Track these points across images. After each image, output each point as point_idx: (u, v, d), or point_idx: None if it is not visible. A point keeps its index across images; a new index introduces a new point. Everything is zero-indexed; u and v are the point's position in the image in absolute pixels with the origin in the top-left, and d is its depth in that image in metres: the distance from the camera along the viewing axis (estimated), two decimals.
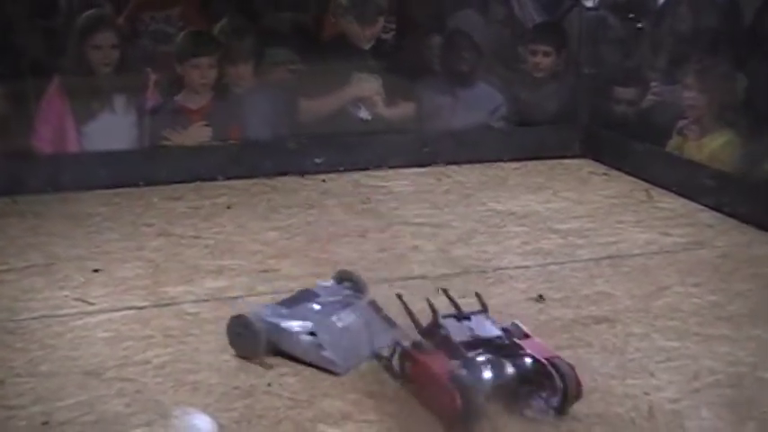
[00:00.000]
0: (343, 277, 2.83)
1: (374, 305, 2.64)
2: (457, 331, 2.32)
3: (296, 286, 3.06)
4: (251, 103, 4.74)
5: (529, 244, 3.56)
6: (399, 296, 2.51)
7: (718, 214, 3.91)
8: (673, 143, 4.48)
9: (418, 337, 2.35)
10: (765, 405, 2.34)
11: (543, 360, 2.22)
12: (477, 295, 2.51)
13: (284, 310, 2.59)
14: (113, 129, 4.55)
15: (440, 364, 2.21)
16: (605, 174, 4.65)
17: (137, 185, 4.28)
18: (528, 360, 2.24)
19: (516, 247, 3.52)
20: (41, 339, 2.69)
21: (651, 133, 4.60)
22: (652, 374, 2.48)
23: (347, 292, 2.74)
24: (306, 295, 2.69)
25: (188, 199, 4.13)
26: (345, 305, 2.61)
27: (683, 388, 2.42)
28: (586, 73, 5.10)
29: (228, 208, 3.99)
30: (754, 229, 3.72)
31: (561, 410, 2.22)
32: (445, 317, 2.38)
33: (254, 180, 4.40)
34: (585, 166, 4.81)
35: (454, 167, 4.70)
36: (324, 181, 4.44)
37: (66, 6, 5.27)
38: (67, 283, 3.13)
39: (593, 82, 5.11)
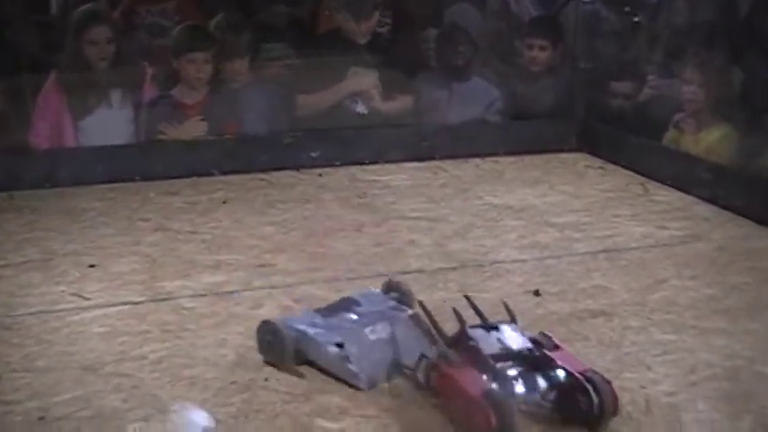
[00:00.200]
0: (390, 287, 2.69)
1: (416, 319, 2.47)
2: (486, 343, 2.20)
3: (292, 281, 3.09)
4: (247, 97, 4.73)
5: (525, 238, 3.57)
6: (422, 303, 2.42)
7: (715, 207, 3.92)
8: (669, 137, 4.48)
9: (444, 348, 2.24)
10: (762, 398, 2.35)
11: (577, 374, 2.12)
12: (505, 305, 2.38)
13: (318, 319, 2.50)
14: (110, 123, 4.55)
15: (470, 379, 2.10)
16: (602, 167, 4.65)
17: (133, 180, 4.27)
18: (561, 374, 2.14)
19: (513, 241, 3.53)
20: (38, 335, 2.69)
21: (647, 127, 4.60)
22: (649, 368, 2.49)
23: (391, 303, 2.59)
24: (346, 304, 2.57)
25: (184, 194, 4.12)
26: (384, 317, 2.46)
27: (679, 381, 2.42)
28: (583, 67, 5.11)
29: (225, 203, 3.99)
30: (750, 223, 3.72)
31: (597, 427, 2.11)
32: (473, 327, 2.27)
33: (251, 175, 4.40)
34: (582, 159, 4.81)
35: (451, 161, 4.70)
36: (320, 175, 4.44)
37: (61, 1, 5.26)
38: (64, 279, 3.12)
39: (589, 76, 5.11)
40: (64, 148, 4.47)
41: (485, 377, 2.09)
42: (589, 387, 2.08)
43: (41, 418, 2.23)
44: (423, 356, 2.26)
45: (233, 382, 2.40)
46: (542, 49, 5.06)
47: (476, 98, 5.10)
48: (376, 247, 3.45)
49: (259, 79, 4.80)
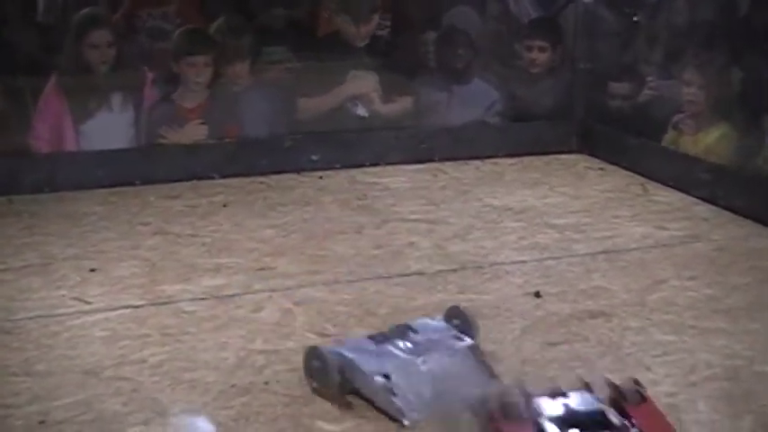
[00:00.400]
0: (452, 315, 2.52)
1: (475, 349, 2.35)
2: (548, 406, 1.95)
3: (293, 284, 3.09)
4: (247, 101, 4.74)
5: (525, 239, 3.57)
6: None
7: (715, 208, 3.92)
8: (668, 137, 4.49)
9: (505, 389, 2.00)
10: (763, 398, 2.35)
11: None
12: (579, 377, 2.11)
13: (370, 346, 2.35)
14: (110, 127, 4.55)
15: None
16: (601, 168, 4.65)
17: (133, 184, 4.27)
18: None
19: (513, 243, 3.53)
20: (38, 339, 2.69)
21: (647, 128, 4.60)
22: (648, 368, 2.49)
23: (451, 332, 2.42)
24: (401, 330, 2.41)
25: (184, 197, 4.13)
26: (440, 347, 2.32)
27: (679, 381, 2.42)
28: (582, 68, 5.10)
29: (225, 206, 3.99)
30: (750, 223, 3.72)
31: None
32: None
33: (251, 178, 4.39)
34: (581, 161, 4.82)
35: (450, 163, 4.69)
36: (320, 178, 4.44)
37: (62, 4, 5.27)
38: (64, 283, 3.12)
39: (588, 77, 5.10)
40: (64, 151, 4.47)
41: None
42: None
43: (42, 422, 2.23)
44: (484, 400, 1.97)
45: (233, 386, 2.40)
46: (542, 50, 5.07)
47: (475, 100, 5.10)
48: (376, 249, 3.45)
49: (259, 83, 4.81)
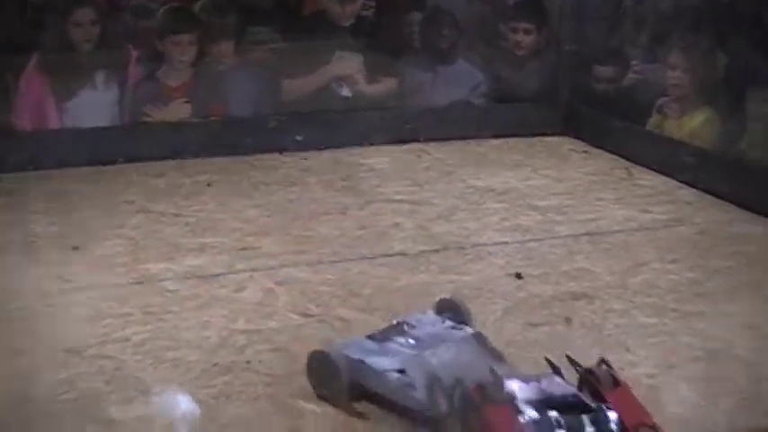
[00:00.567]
0: (443, 307, 2.47)
1: (480, 337, 2.28)
2: (523, 390, 1.93)
3: (276, 264, 3.09)
4: (232, 80, 4.72)
5: (508, 220, 3.58)
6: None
7: (698, 191, 3.94)
8: (653, 121, 4.50)
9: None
10: (741, 381, 2.37)
11: (630, 428, 1.85)
12: (548, 360, 2.08)
13: (373, 345, 2.28)
14: (94, 105, 4.53)
15: (504, 422, 1.84)
16: (585, 151, 4.66)
17: (117, 163, 4.26)
18: (613, 424, 1.86)
19: (496, 224, 3.54)
20: (20, 317, 2.68)
21: (632, 111, 4.61)
22: (629, 350, 2.51)
23: (448, 323, 2.38)
24: (398, 328, 2.35)
25: (168, 176, 4.12)
26: (444, 339, 2.26)
27: (659, 363, 2.44)
28: (567, 50, 5.10)
29: (209, 185, 3.98)
30: (733, 207, 3.74)
31: None
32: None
33: (235, 158, 4.38)
34: (566, 143, 4.82)
35: (435, 144, 4.69)
36: (305, 158, 4.44)
37: None
38: (47, 261, 3.12)
39: (574, 60, 5.10)
40: (48, 130, 4.46)
41: (522, 425, 1.84)
42: None
43: (24, 401, 2.23)
44: (459, 381, 1.95)
45: (215, 365, 2.40)
46: (527, 32, 5.06)
47: (460, 81, 5.10)
48: (360, 229, 3.45)
49: (244, 62, 4.79)
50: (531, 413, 1.86)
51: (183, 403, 2.26)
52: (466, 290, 2.88)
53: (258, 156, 4.43)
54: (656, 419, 1.88)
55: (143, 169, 4.18)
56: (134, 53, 4.68)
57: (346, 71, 4.91)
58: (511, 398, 1.90)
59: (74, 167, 4.15)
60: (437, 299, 2.50)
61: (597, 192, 3.97)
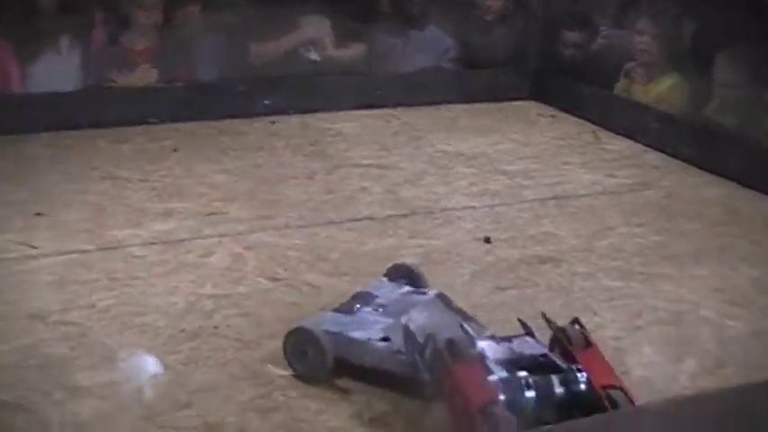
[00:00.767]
0: (396, 273, 2.47)
1: (444, 298, 2.29)
2: (492, 349, 1.96)
3: (243, 229, 3.08)
4: (198, 44, 4.68)
5: (476, 185, 3.58)
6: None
7: (664, 156, 3.96)
8: (620, 86, 4.51)
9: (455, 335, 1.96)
10: (706, 342, 2.40)
11: (600, 389, 1.85)
12: (521, 321, 2.10)
13: (345, 318, 2.24)
14: (58, 70, 4.47)
15: (474, 384, 1.84)
16: (553, 116, 4.67)
17: (82, 128, 4.20)
18: (582, 384, 1.88)
19: (464, 189, 3.54)
20: None
21: (599, 76, 4.62)
22: (595, 313, 2.52)
23: (406, 288, 2.38)
24: (364, 298, 2.33)
25: (134, 142, 4.08)
26: (411, 303, 2.25)
27: (625, 326, 2.46)
28: (536, 16, 5.09)
29: (175, 151, 3.95)
30: (699, 171, 3.77)
31: None
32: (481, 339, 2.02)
33: (202, 122, 4.35)
34: (534, 108, 4.83)
35: (403, 109, 4.69)
36: (272, 123, 4.41)
37: None
38: (11, 227, 3.08)
39: (542, 25, 5.10)
40: (11, 95, 4.39)
41: (491, 383, 1.85)
42: (608, 407, 1.82)
43: None
44: (430, 338, 1.98)
45: (183, 330, 2.40)
46: None
47: (430, 46, 5.08)
48: (327, 194, 3.45)
49: (211, 26, 4.74)
50: (501, 373, 1.87)
51: (151, 369, 2.25)
52: (435, 254, 2.89)
53: (225, 121, 4.39)
54: (623, 381, 1.90)
55: (108, 135, 4.14)
56: (99, 17, 4.60)
57: (315, 35, 4.87)
58: (481, 357, 1.91)
59: (38, 133, 4.10)
60: (388, 266, 2.50)
61: (564, 156, 3.98)
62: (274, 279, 2.71)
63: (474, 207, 3.34)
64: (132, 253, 2.89)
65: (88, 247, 2.93)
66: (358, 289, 2.41)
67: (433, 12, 5.11)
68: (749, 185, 3.55)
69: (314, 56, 4.87)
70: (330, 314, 2.28)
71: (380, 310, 2.26)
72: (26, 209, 3.23)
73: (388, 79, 4.89)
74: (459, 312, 2.24)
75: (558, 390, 1.88)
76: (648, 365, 2.27)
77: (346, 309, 2.30)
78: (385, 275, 2.47)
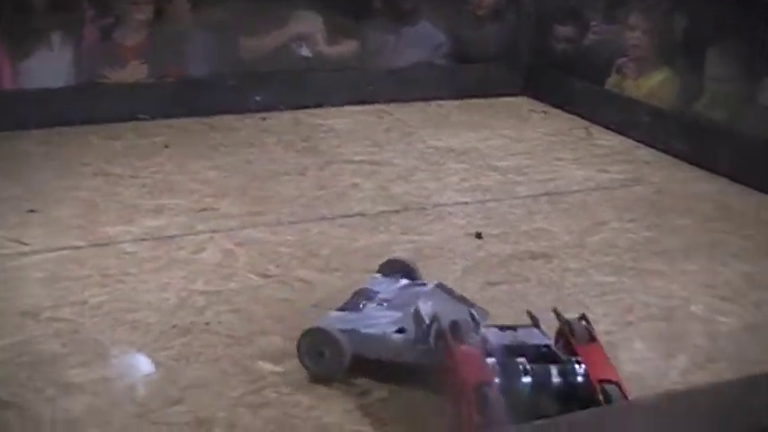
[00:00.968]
0: (392, 268, 2.48)
1: (444, 287, 2.30)
2: (496, 336, 2.02)
3: (235, 225, 3.08)
4: (189, 40, 4.67)
5: (468, 181, 3.58)
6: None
7: (656, 151, 3.97)
8: (612, 81, 4.52)
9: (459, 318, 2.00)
10: (696, 338, 2.40)
11: (595, 382, 1.88)
12: (529, 313, 2.15)
13: (353, 316, 2.23)
14: (50, 66, 4.46)
15: (472, 365, 1.87)
16: (545, 111, 4.67)
17: (73, 124, 4.20)
18: (580, 377, 1.91)
19: (456, 184, 3.54)
20: None
21: (591, 71, 4.62)
22: (587, 308, 2.51)
23: (404, 281, 2.39)
24: (365, 295, 2.33)
25: (125, 138, 4.07)
26: (413, 295, 2.25)
27: (616, 321, 2.47)
28: (528, 11, 5.10)
29: (167, 147, 3.95)
30: (690, 166, 3.77)
31: None
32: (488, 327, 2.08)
33: (193, 119, 4.35)
34: (526, 103, 4.83)
35: (395, 105, 4.69)
36: (264, 119, 4.41)
37: None
38: (3, 224, 3.07)
39: (534, 20, 5.10)
40: (2, 91, 4.38)
41: (488, 366, 1.89)
42: (602, 400, 1.84)
43: None
44: (435, 319, 2.02)
45: (174, 326, 2.39)
46: None
47: (422, 42, 5.08)
48: (319, 190, 3.45)
49: (202, 21, 4.73)
50: (500, 357, 1.92)
51: (143, 365, 2.25)
52: (426, 249, 2.89)
53: (216, 117, 4.39)
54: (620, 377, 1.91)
55: (100, 131, 4.14)
56: (90, 13, 4.60)
57: (306, 31, 4.87)
58: (483, 341, 1.95)
59: (29, 129, 4.09)
60: (381, 262, 2.51)
61: (556, 152, 3.99)
62: (266, 275, 2.71)
63: (466, 203, 3.35)
64: (124, 249, 2.89)
65: (80, 243, 2.93)
66: (349, 285, 2.41)
67: (424, 7, 5.11)
68: (740, 181, 3.56)
69: (305, 52, 4.87)
70: (338, 313, 2.27)
71: (385, 304, 2.27)
72: (19, 205, 3.23)
73: (380, 75, 4.89)
74: (462, 300, 2.26)
75: (556, 379, 1.91)
76: (640, 361, 2.28)
77: (351, 306, 2.29)
78: (378, 272, 2.48)
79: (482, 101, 4.84)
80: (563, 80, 4.77)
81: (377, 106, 4.67)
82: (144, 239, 2.97)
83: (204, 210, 3.23)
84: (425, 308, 2.12)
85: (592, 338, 2.01)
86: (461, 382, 1.84)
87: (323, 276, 2.71)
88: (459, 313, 2.09)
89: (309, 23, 4.88)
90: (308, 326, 2.20)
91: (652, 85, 4.31)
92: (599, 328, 2.37)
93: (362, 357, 2.14)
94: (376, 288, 2.36)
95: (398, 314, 2.19)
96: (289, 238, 2.99)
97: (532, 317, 2.13)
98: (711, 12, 4.24)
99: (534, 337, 2.03)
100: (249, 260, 2.81)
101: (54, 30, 4.46)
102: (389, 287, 2.36)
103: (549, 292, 2.64)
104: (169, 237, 2.99)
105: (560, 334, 2.04)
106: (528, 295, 2.59)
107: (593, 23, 4.89)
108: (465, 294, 2.34)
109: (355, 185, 3.51)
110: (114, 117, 4.27)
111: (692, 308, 2.56)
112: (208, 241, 2.95)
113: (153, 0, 4.50)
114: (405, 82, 4.86)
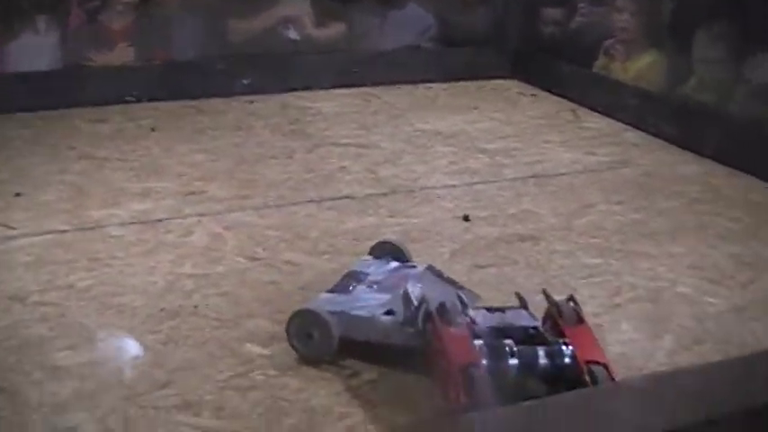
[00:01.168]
0: (382, 250, 2.49)
1: (434, 270, 2.31)
2: (484, 317, 2.03)
3: (222, 208, 3.07)
4: (176, 22, 4.65)
5: (456, 164, 3.58)
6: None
7: (644, 134, 3.97)
8: (599, 63, 4.51)
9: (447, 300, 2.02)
10: (683, 319, 2.41)
11: (582, 364, 1.89)
12: (517, 295, 2.16)
13: (343, 298, 2.24)
14: (36, 49, 4.44)
15: (458, 346, 1.88)
16: (533, 94, 4.67)
17: (59, 107, 4.18)
18: (567, 358, 1.92)
19: (444, 167, 3.54)
20: None
21: (579, 54, 4.62)
22: (574, 290, 2.51)
23: (393, 264, 2.40)
24: (355, 277, 2.33)
25: (112, 121, 4.06)
26: (404, 277, 2.25)
27: (604, 303, 2.47)
28: None
29: (153, 130, 3.93)
30: (677, 149, 3.78)
31: None
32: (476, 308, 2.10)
33: (180, 102, 4.33)
34: (514, 86, 4.83)
35: (383, 88, 4.68)
36: (251, 102, 4.39)
37: None
38: None
39: (522, 3, 5.09)
40: None
41: (475, 347, 1.90)
42: (588, 382, 1.85)
43: None
44: (423, 301, 2.04)
45: (162, 309, 2.39)
46: None
47: (410, 25, 5.07)
48: (307, 173, 3.44)
49: (189, 4, 4.71)
50: (487, 339, 1.92)
51: (130, 349, 2.25)
52: (414, 232, 2.89)
53: (204, 100, 4.37)
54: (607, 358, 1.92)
55: (86, 114, 4.12)
56: None
57: (294, 14, 4.85)
58: (470, 322, 1.97)
59: (15, 113, 4.07)
60: (369, 244, 2.51)
61: (544, 134, 3.99)
62: (253, 258, 2.71)
63: (453, 186, 3.34)
64: (111, 233, 2.88)
65: (67, 227, 2.92)
66: (337, 267, 2.41)
67: None
68: (728, 163, 3.56)
69: (293, 35, 4.85)
70: (327, 295, 2.27)
71: (375, 286, 2.27)
72: (5, 189, 3.21)
73: (368, 58, 4.88)
74: (452, 282, 2.26)
75: (543, 361, 1.92)
76: (627, 342, 2.28)
77: (341, 288, 2.29)
78: (369, 254, 2.49)
79: (470, 84, 4.83)
80: (551, 63, 4.77)
81: (364, 89, 4.66)
82: (131, 223, 2.96)
83: (192, 193, 3.22)
84: (414, 290, 2.12)
85: (580, 320, 2.01)
86: (448, 364, 1.85)
87: (311, 259, 2.71)
88: (448, 296, 2.10)
89: (297, 6, 4.87)
90: (296, 308, 2.20)
91: (640, 67, 4.31)
92: (586, 310, 2.37)
93: (351, 339, 2.13)
94: (366, 270, 2.37)
95: (387, 296, 2.19)
96: (276, 221, 2.99)
97: (521, 298, 2.14)
98: None
99: (522, 319, 2.04)
100: (237, 243, 2.81)
101: (40, 12, 4.43)
102: (379, 269, 2.37)
103: (536, 274, 2.64)
104: (156, 220, 2.98)
105: (548, 315, 2.05)
106: (516, 278, 2.59)
107: (581, 6, 4.89)
108: (453, 277, 2.35)
109: (343, 168, 3.50)
110: (101, 100, 4.25)
111: (680, 289, 2.57)
112: (195, 224, 2.94)
113: None
114: (393, 65, 4.85)
